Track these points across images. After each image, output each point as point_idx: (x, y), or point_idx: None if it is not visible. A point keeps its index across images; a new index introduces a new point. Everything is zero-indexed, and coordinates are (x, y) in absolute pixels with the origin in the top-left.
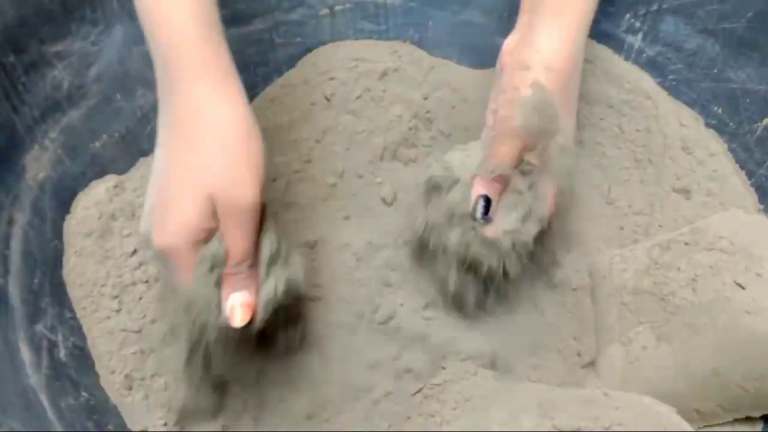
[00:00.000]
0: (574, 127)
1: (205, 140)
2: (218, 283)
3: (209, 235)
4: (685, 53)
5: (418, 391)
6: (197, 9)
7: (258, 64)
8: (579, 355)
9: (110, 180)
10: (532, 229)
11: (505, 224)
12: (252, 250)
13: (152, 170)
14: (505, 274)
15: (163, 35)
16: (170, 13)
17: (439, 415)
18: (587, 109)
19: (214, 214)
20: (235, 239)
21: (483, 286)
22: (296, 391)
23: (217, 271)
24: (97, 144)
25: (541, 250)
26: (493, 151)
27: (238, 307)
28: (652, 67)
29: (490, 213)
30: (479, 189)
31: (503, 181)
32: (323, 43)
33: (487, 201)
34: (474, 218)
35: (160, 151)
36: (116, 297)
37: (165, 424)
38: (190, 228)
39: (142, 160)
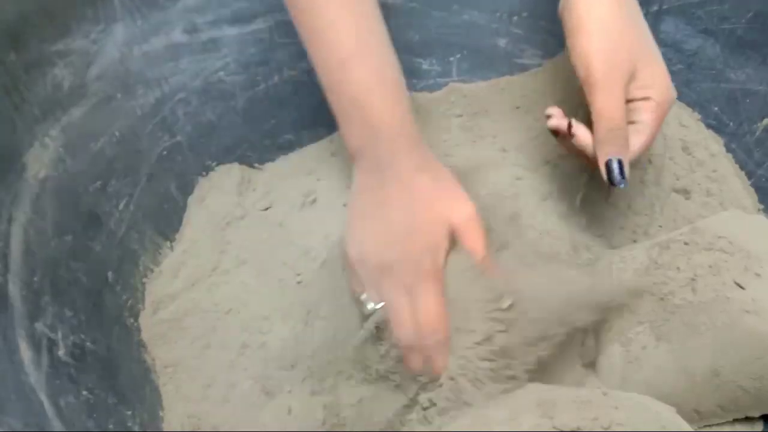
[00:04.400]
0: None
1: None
2: None
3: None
4: (685, 53)
5: None
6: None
7: (258, 64)
8: (579, 355)
9: None
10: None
11: None
12: None
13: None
14: None
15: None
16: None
17: None
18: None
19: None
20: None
21: None
22: None
23: None
24: (98, 142)
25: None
26: (601, 106)
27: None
28: None
29: (625, 174)
30: (606, 152)
31: (624, 137)
32: None
33: (620, 162)
34: (612, 183)
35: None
36: None
37: None
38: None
39: None
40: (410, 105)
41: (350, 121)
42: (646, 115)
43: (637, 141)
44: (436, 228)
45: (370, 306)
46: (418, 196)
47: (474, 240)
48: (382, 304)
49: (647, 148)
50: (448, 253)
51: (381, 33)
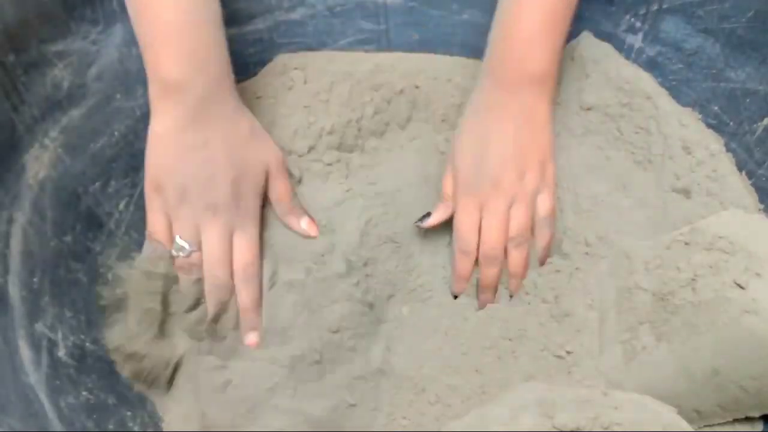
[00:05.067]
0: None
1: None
2: None
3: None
4: (685, 53)
5: None
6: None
7: (258, 64)
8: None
9: None
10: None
11: None
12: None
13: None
14: None
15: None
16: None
17: None
18: (586, 113)
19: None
20: (284, 184)
21: None
22: None
23: None
24: (97, 143)
25: None
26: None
27: (312, 223)
28: (652, 67)
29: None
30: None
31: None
32: (323, 43)
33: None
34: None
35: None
36: None
37: None
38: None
39: None
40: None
41: (172, 51)
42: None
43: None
44: (257, 169)
45: (182, 244)
46: (241, 135)
47: (282, 185)
48: (187, 245)
49: None
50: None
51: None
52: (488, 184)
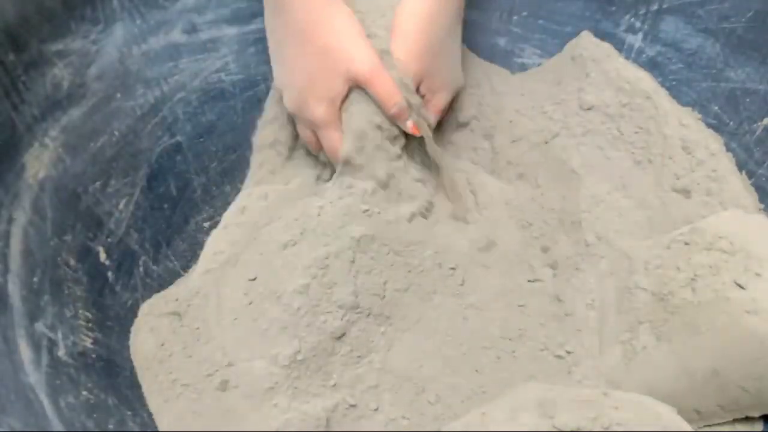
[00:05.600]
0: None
1: (333, 36)
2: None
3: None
4: (685, 53)
5: None
6: None
7: (258, 63)
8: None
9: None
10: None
11: None
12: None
13: (281, 67)
14: None
15: None
16: None
17: None
18: (586, 113)
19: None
20: (387, 87)
21: None
22: None
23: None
24: (98, 142)
25: None
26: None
27: (414, 127)
28: (652, 67)
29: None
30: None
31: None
32: None
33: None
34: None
35: (289, 51)
36: None
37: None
38: (340, 96)
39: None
40: None
41: None
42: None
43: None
44: (332, 77)
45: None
46: (314, 40)
47: (382, 86)
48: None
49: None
50: (345, 98)
51: None
52: None
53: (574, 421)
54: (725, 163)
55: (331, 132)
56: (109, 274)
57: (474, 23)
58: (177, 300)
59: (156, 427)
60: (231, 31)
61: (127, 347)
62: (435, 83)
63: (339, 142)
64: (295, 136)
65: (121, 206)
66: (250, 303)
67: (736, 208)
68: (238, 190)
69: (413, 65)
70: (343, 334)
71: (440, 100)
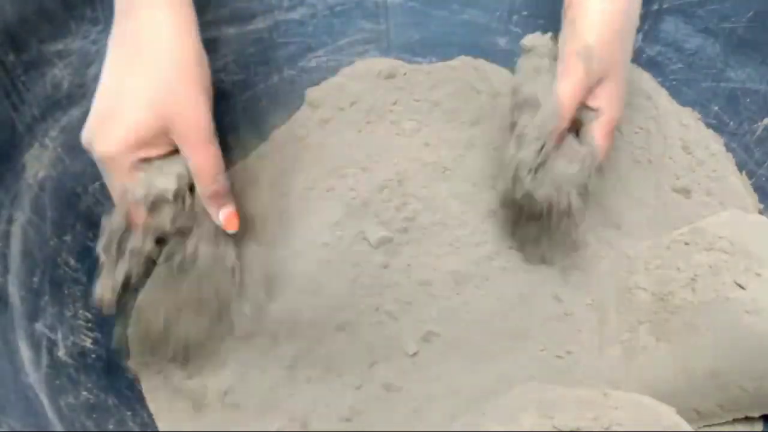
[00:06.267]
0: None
1: (159, 61)
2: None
3: (149, 153)
4: (685, 53)
5: None
6: None
7: (258, 63)
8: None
9: None
10: (586, 173)
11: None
12: (222, 165)
13: (99, 84)
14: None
15: None
16: None
17: None
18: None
19: (161, 136)
20: (206, 158)
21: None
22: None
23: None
24: None
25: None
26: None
27: (232, 217)
28: (652, 67)
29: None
30: None
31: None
32: (324, 43)
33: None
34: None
35: (108, 66)
36: None
37: None
38: (137, 135)
39: None
40: None
41: None
42: (593, 129)
43: (597, 155)
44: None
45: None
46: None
47: (204, 154)
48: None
49: (602, 158)
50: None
51: None
52: None
53: (574, 421)
54: (725, 163)
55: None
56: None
57: (474, 23)
58: None
59: (156, 427)
60: (231, 31)
61: (127, 347)
62: (615, 87)
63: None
64: None
65: None
66: None
67: (736, 208)
68: None
69: (600, 51)
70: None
71: (616, 112)
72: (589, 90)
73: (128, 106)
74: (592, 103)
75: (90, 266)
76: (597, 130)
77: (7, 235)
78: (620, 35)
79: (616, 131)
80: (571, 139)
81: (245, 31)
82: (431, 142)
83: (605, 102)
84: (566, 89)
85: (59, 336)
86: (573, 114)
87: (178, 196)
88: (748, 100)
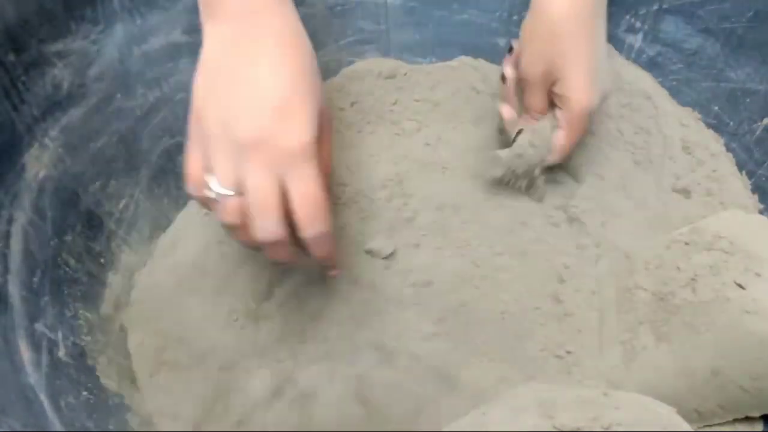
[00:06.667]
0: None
1: (305, 55)
2: None
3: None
4: (685, 53)
5: None
6: None
7: None
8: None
9: None
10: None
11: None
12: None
13: (239, 75)
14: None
15: None
16: None
17: None
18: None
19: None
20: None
21: None
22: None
23: None
24: (98, 143)
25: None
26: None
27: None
28: (652, 67)
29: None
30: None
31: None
32: (324, 43)
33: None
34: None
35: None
36: None
37: None
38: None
39: None
40: None
41: None
42: (562, 120)
43: (556, 144)
44: (313, 98)
45: (218, 189)
46: (292, 54)
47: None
48: (230, 191)
49: (564, 152)
50: (321, 128)
51: None
52: None
53: (574, 421)
54: (725, 163)
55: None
56: (109, 274)
57: (474, 23)
58: None
59: (156, 427)
60: None
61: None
62: (570, 80)
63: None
64: None
65: (121, 206)
66: None
67: (736, 208)
68: None
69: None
70: None
71: (585, 101)
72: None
73: (301, 96)
74: (557, 90)
75: (90, 266)
76: (561, 118)
77: (7, 235)
78: (584, 25)
79: (616, 131)
80: (544, 120)
81: None
82: (431, 142)
83: (567, 91)
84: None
85: (59, 336)
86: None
87: None
88: (748, 100)
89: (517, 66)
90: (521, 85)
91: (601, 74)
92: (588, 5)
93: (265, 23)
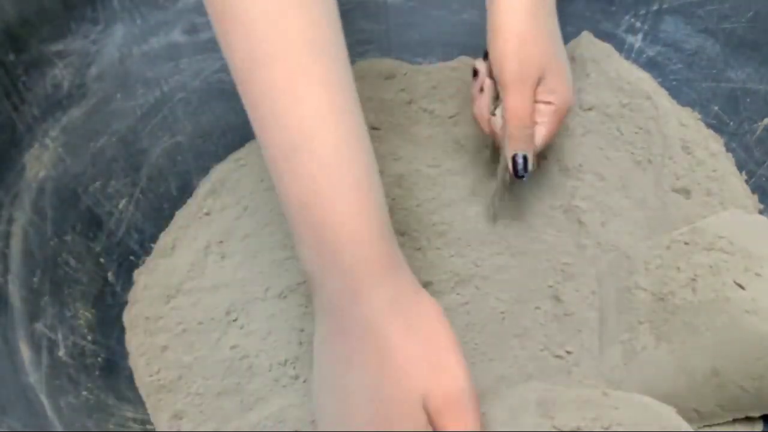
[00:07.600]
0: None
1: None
2: None
3: None
4: (685, 53)
5: None
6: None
7: None
8: (578, 355)
9: None
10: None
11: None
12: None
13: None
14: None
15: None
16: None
17: None
18: (586, 113)
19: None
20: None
21: None
22: None
23: None
24: (98, 142)
25: None
26: (512, 106)
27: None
28: (652, 67)
29: (528, 168)
30: (514, 147)
31: (531, 135)
32: None
33: (524, 158)
34: (516, 176)
35: (353, 367)
36: None
37: None
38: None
39: None
40: (385, 208)
41: (301, 233)
42: (547, 117)
43: (539, 138)
44: (411, 407)
45: None
46: (388, 357)
47: (458, 426)
48: None
49: (546, 144)
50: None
51: (352, 101)
52: None
53: (574, 421)
54: (725, 163)
55: None
56: (109, 274)
57: (474, 23)
58: None
59: (155, 427)
60: None
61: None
62: (555, 80)
63: None
64: None
65: (121, 206)
66: None
67: (736, 208)
68: None
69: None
70: None
71: (565, 102)
72: (534, 93)
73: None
74: (541, 98)
75: (90, 266)
76: (548, 117)
77: (7, 235)
78: (545, 30)
79: (616, 131)
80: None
81: None
82: (431, 143)
83: (552, 96)
84: (515, 101)
85: (59, 336)
86: (533, 119)
87: None
88: (748, 100)
89: (491, 72)
90: (503, 88)
91: (569, 73)
92: (546, 4)
93: (356, 317)
